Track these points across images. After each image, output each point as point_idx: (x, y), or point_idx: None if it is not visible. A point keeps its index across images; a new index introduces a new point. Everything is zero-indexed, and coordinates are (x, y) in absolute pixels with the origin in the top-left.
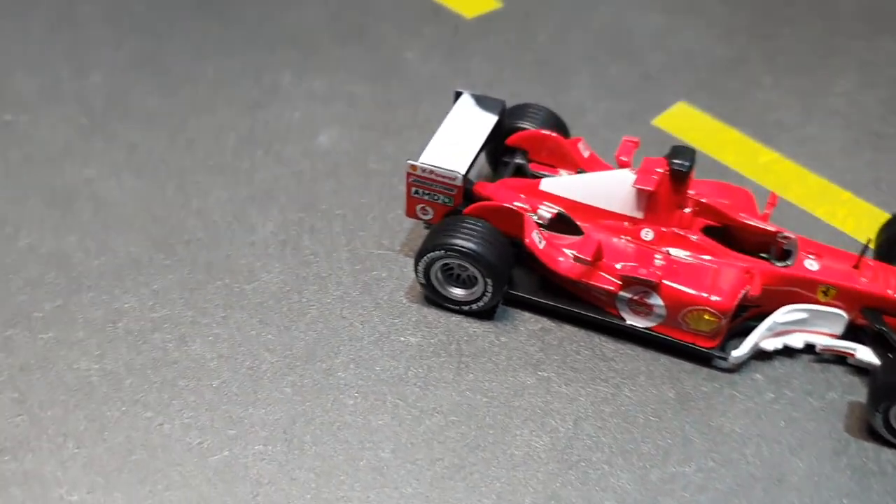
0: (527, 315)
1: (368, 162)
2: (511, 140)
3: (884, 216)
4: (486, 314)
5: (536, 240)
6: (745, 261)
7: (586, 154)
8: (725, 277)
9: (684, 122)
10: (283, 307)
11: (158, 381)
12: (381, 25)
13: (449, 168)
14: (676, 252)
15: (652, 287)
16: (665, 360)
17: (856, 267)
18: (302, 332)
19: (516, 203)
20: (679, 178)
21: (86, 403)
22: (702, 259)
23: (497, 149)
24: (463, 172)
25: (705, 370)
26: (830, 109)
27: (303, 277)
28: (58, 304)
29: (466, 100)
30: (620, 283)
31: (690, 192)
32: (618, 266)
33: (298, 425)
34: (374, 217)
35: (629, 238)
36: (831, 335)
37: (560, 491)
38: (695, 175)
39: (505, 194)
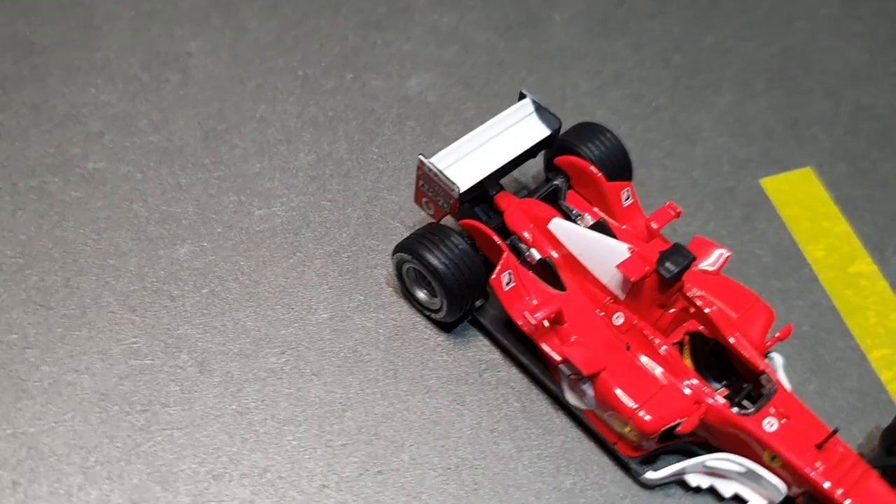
0: (484, 343)
1: (440, 123)
2: (558, 160)
3: None
4: (447, 326)
5: (504, 280)
6: (699, 392)
7: (627, 203)
8: (668, 399)
9: (797, 192)
10: (274, 243)
11: (133, 272)
12: None
13: (451, 179)
14: (639, 350)
15: (584, 376)
16: (586, 448)
17: (819, 447)
18: (275, 274)
19: (524, 232)
20: (663, 282)
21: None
22: (655, 369)
23: (548, 165)
24: (462, 188)
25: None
26: None
27: (308, 221)
28: (98, 167)
29: (525, 105)
30: (561, 358)
31: (695, 291)
32: (547, 346)
33: (216, 359)
34: (409, 183)
35: (603, 314)
36: (768, 500)
37: None
38: (722, 270)
39: (518, 217)
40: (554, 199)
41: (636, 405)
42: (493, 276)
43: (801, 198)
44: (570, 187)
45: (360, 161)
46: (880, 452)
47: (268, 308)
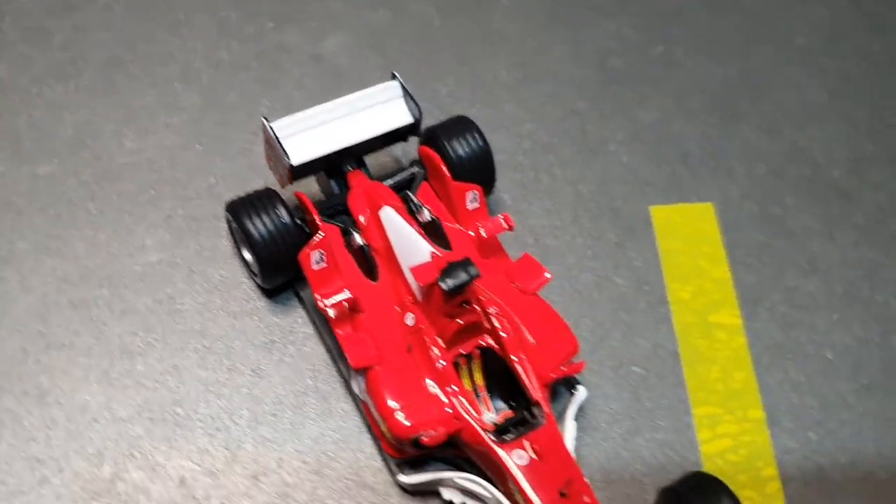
0: (301, 315)
1: (342, 88)
2: (420, 150)
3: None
4: (270, 292)
5: (314, 258)
6: (462, 408)
7: (472, 206)
8: (428, 408)
9: (686, 226)
10: (134, 177)
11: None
12: None
13: (286, 149)
14: (418, 355)
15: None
16: (361, 439)
17: (562, 494)
18: (120, 209)
19: (360, 216)
20: (445, 294)
21: None
22: (425, 378)
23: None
24: (296, 161)
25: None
26: None
27: (174, 162)
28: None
29: (393, 87)
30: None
31: (494, 309)
32: (340, 332)
33: (38, 278)
34: None
35: (400, 310)
36: None
37: None
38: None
39: (359, 199)
40: (408, 188)
41: (395, 407)
42: (302, 252)
43: (688, 232)
44: (425, 179)
45: (246, 112)
46: None
47: (103, 239)
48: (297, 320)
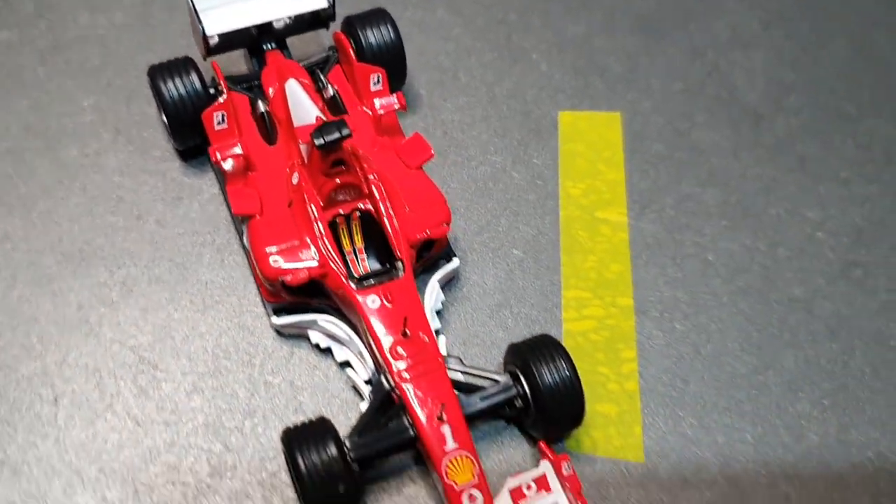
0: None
1: None
2: (335, 35)
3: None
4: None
5: (216, 119)
6: (329, 257)
7: (375, 87)
8: (299, 255)
9: (591, 132)
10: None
11: None
12: None
13: (203, 21)
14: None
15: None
16: (248, 289)
17: (404, 334)
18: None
19: (270, 88)
20: (322, 151)
21: None
22: (302, 233)
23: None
24: (209, 32)
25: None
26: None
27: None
28: None
29: None
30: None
31: (375, 177)
32: (230, 186)
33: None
34: None
35: (289, 172)
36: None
37: None
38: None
39: (271, 74)
40: (321, 69)
41: (269, 252)
42: (205, 112)
43: (592, 138)
44: (337, 62)
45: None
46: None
47: (46, 100)
48: (206, 182)
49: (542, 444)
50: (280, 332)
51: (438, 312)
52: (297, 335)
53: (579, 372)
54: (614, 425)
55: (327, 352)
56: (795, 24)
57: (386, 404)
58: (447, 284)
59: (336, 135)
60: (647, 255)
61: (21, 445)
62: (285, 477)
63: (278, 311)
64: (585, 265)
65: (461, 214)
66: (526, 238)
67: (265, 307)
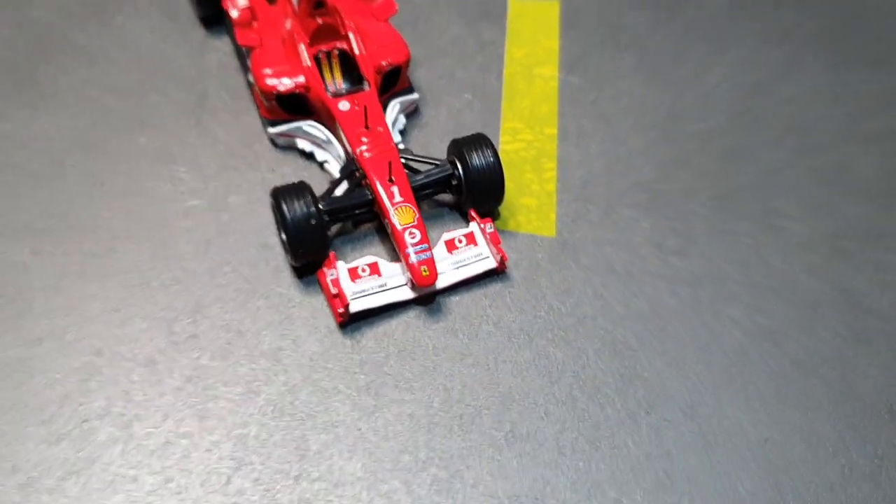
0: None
1: None
2: None
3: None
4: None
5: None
6: (313, 77)
7: None
8: (287, 74)
9: (536, 13)
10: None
11: None
12: None
13: None
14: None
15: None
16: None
17: (366, 127)
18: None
19: None
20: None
21: None
22: (293, 61)
23: None
24: None
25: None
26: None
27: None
28: None
29: None
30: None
31: (351, 23)
32: (238, 30)
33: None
34: None
35: (284, 20)
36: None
37: None
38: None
39: None
40: None
41: (267, 73)
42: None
43: (535, 18)
44: None
45: None
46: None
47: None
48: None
49: (472, 212)
50: (274, 142)
51: (402, 132)
52: (286, 146)
53: (510, 179)
54: (534, 212)
55: (311, 156)
56: None
57: (351, 180)
58: (410, 115)
59: None
60: (571, 99)
61: None
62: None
63: (273, 124)
64: (521, 105)
65: (424, 66)
66: (475, 85)
67: (262, 124)
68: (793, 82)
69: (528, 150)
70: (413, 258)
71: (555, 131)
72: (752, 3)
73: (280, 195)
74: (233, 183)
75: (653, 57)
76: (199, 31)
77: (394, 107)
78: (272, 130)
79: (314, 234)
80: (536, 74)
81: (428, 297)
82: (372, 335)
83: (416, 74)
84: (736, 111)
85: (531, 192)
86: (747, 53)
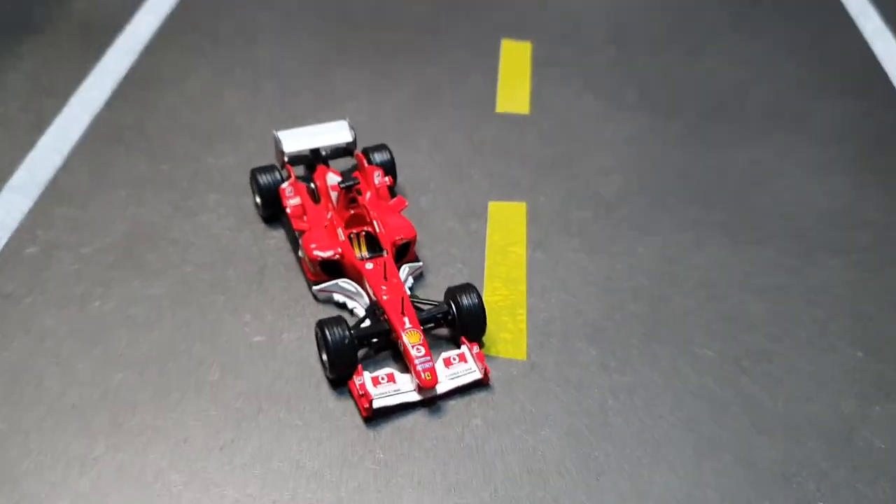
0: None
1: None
2: (356, 155)
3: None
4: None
5: (287, 191)
6: (348, 249)
7: (377, 180)
8: (330, 245)
9: (508, 212)
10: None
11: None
12: None
13: (282, 143)
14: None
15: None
16: (302, 289)
17: (384, 278)
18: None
19: (317, 181)
20: (344, 195)
21: None
22: (332, 239)
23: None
24: (285, 145)
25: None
26: None
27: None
28: None
29: (343, 124)
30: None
31: (375, 213)
32: (294, 220)
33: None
34: None
35: (326, 213)
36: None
37: None
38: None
39: (319, 174)
40: (351, 171)
41: (312, 246)
42: (282, 186)
43: (508, 213)
44: (354, 182)
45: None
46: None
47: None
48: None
49: (463, 339)
50: (316, 297)
51: (410, 289)
52: (325, 300)
53: (492, 321)
54: (510, 343)
55: (343, 306)
56: None
57: (374, 317)
58: (416, 279)
59: (351, 182)
60: (536, 268)
61: None
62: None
63: (317, 284)
64: (499, 272)
65: (427, 247)
66: (465, 259)
67: (308, 285)
68: (699, 255)
69: (505, 301)
70: (419, 367)
71: (524, 288)
72: (668, 202)
73: (324, 324)
74: (285, 326)
75: (594, 239)
76: (261, 225)
77: (404, 271)
78: (316, 288)
79: (348, 352)
80: (510, 251)
81: (430, 400)
82: (389, 428)
83: (421, 252)
84: (657, 274)
85: (508, 330)
86: (664, 237)
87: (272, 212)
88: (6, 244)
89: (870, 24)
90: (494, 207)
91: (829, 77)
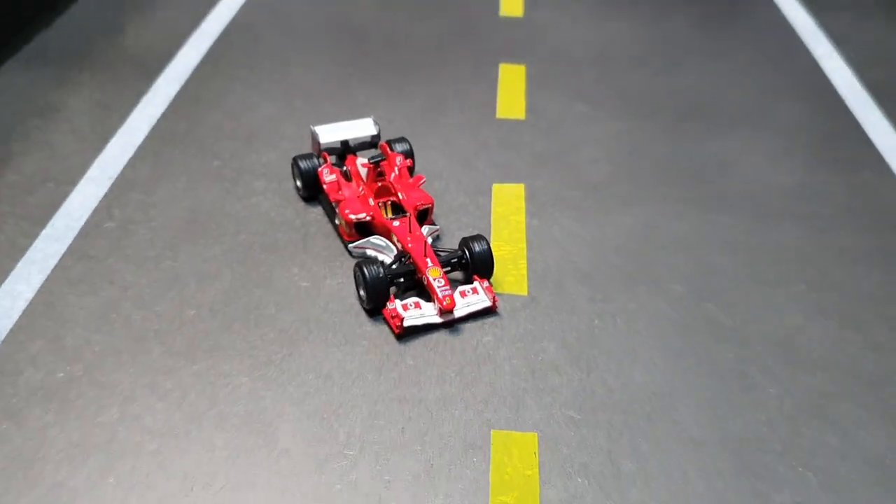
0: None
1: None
2: (381, 146)
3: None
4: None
5: (325, 173)
6: (377, 212)
7: (399, 163)
8: (360, 210)
9: (511, 193)
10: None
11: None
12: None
13: (318, 133)
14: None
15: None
16: (338, 245)
17: (410, 231)
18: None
19: (349, 165)
20: (373, 170)
21: None
22: (367, 202)
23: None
24: (321, 137)
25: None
26: None
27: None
28: None
29: (368, 121)
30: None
31: (398, 186)
32: (330, 193)
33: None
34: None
35: (359, 188)
36: (391, 257)
37: None
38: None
39: (350, 161)
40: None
41: (347, 210)
42: (320, 169)
43: (509, 196)
44: (382, 157)
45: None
46: (457, 249)
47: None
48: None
49: (475, 277)
50: (352, 253)
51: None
52: (359, 255)
53: (498, 269)
54: (514, 284)
55: (374, 259)
56: None
57: (401, 262)
58: (435, 240)
59: (379, 157)
60: (534, 230)
61: None
62: (354, 300)
63: (351, 243)
64: (503, 233)
65: (442, 217)
66: (475, 225)
67: (344, 245)
68: (674, 223)
69: (508, 255)
70: (440, 293)
71: (524, 245)
72: (648, 185)
73: (362, 263)
74: (326, 274)
75: (584, 212)
76: (301, 204)
77: (424, 230)
78: (351, 245)
79: (382, 285)
80: (511, 219)
81: (450, 323)
82: (416, 343)
83: (438, 221)
84: (638, 236)
85: (511, 274)
86: (644, 209)
87: (311, 193)
88: (87, 220)
89: (820, 47)
90: (497, 188)
91: (785, 87)
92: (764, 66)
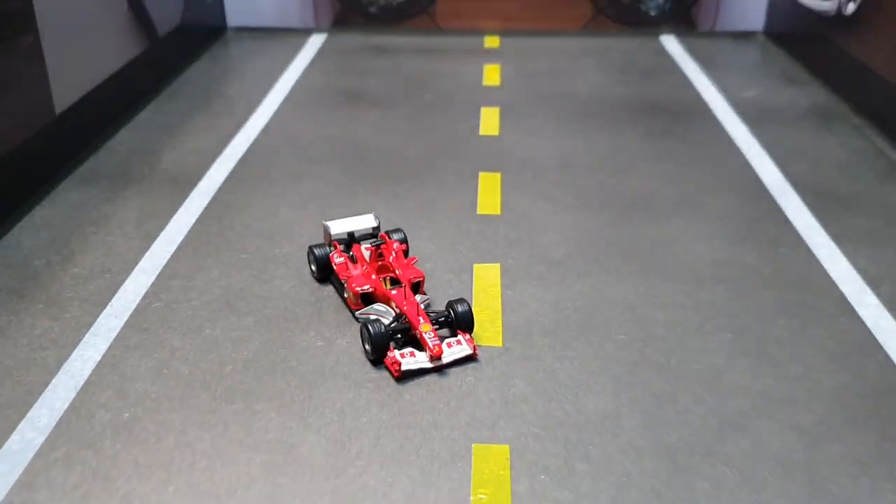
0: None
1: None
2: (381, 235)
3: None
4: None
5: (335, 258)
6: (379, 285)
7: (395, 248)
8: (365, 283)
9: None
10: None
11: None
12: None
13: (329, 227)
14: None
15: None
16: (347, 316)
17: (405, 298)
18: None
19: (353, 252)
20: (374, 253)
21: None
22: (370, 277)
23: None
24: (331, 230)
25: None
26: None
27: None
28: None
29: (370, 216)
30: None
31: (395, 264)
32: (340, 273)
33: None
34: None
35: (363, 267)
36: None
37: None
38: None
39: (355, 248)
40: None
41: (354, 284)
42: (331, 255)
43: (487, 271)
44: (382, 242)
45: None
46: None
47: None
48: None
49: (459, 331)
50: (357, 319)
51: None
52: (364, 320)
53: (478, 324)
54: (490, 337)
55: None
56: None
57: (398, 322)
58: (426, 307)
59: (379, 242)
60: (509, 301)
61: None
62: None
63: (358, 310)
64: (483, 306)
65: (432, 290)
66: (458, 296)
67: (351, 313)
68: (620, 287)
69: (487, 316)
70: (430, 343)
71: (500, 309)
72: (599, 259)
73: (367, 323)
74: (337, 336)
75: (549, 282)
76: (315, 284)
77: (417, 299)
78: (358, 313)
79: (384, 340)
80: (489, 290)
81: (439, 367)
82: (412, 384)
83: (429, 292)
84: (590, 301)
85: (489, 330)
86: (594, 277)
87: (324, 275)
88: (139, 302)
89: (752, 149)
90: (478, 267)
91: (719, 182)
92: (703, 166)
